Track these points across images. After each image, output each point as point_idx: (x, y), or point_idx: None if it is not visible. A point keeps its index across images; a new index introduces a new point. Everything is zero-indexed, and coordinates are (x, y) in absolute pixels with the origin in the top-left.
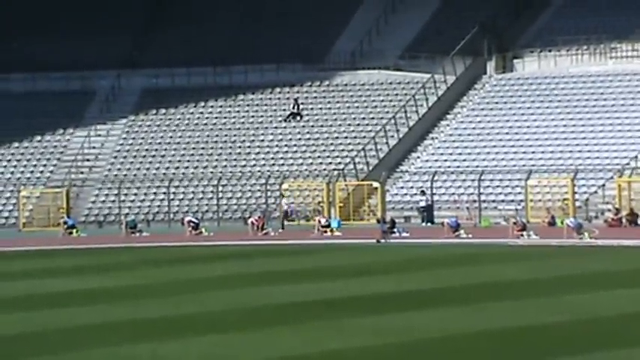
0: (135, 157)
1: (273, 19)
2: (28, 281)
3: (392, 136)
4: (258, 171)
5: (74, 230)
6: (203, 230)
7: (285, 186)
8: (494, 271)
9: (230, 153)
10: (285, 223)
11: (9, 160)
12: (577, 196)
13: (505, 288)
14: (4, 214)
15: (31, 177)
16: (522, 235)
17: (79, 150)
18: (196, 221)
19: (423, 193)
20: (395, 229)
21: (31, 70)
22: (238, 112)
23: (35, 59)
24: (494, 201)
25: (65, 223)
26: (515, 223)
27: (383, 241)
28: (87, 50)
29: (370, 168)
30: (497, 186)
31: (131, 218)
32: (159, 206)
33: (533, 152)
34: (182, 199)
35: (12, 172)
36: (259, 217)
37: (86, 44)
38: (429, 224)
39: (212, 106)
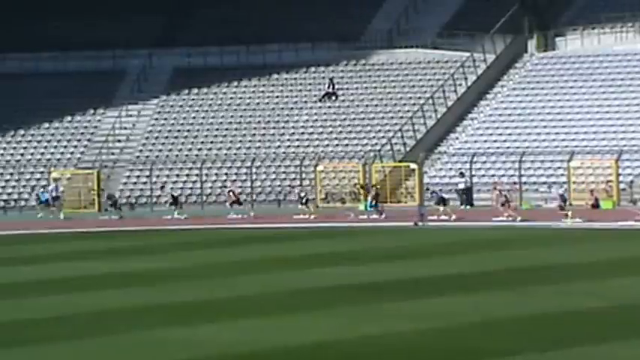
0: (167, 137)
1: None
2: (60, 264)
3: (430, 117)
4: (293, 152)
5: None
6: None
7: (320, 167)
8: (535, 254)
9: (264, 134)
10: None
11: (39, 141)
12: (621, 178)
13: (547, 272)
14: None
15: (61, 158)
16: (566, 216)
17: (110, 130)
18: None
19: (462, 175)
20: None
21: (62, 50)
22: (272, 92)
23: (66, 38)
24: (535, 183)
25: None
26: (561, 207)
27: (421, 224)
28: (118, 29)
29: (407, 149)
30: (539, 168)
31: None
32: (191, 188)
33: (575, 133)
34: (215, 180)
35: (42, 153)
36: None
37: (117, 23)
38: (468, 207)
39: (245, 86)
